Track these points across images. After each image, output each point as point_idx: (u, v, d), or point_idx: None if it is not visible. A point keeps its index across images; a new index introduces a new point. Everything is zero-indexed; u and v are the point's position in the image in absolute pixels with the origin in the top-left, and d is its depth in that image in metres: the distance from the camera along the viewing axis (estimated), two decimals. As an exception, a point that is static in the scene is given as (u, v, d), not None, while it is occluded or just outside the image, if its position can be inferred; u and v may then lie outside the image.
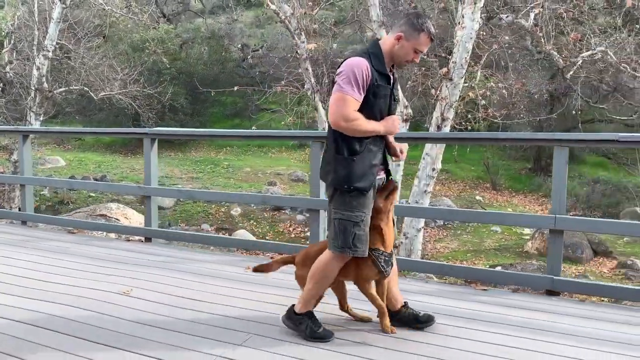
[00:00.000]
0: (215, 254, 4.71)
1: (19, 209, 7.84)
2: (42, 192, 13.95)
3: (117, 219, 7.81)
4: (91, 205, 10.90)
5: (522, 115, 15.70)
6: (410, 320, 2.85)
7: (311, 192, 4.07)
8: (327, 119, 2.71)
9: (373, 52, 2.61)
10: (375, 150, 2.64)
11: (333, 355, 2.53)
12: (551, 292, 3.35)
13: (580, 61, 10.82)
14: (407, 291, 3.38)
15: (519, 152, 21.20)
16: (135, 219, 8.87)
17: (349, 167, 2.58)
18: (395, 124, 2.69)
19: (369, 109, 2.58)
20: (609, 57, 10.86)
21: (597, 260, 12.21)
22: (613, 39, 11.35)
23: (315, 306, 2.80)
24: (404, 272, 5.07)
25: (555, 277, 3.29)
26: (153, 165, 4.67)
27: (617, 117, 15.31)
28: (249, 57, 22.92)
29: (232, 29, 24.05)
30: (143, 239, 4.98)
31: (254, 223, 15.02)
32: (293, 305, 2.81)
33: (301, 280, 2.89)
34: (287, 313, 2.82)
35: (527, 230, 14.68)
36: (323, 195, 4.01)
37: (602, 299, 4.42)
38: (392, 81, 2.68)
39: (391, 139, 2.82)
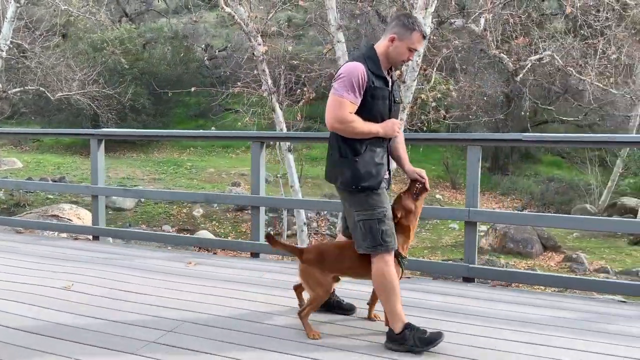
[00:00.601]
0: (161, 251, 4.83)
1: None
2: (-5, 194, 13.67)
3: (69, 219, 7.79)
4: (40, 208, 10.79)
5: (477, 116, 16.24)
6: (334, 306, 3.07)
7: (252, 189, 4.26)
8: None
9: (368, 56, 2.68)
10: (378, 150, 2.70)
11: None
12: (467, 279, 3.64)
13: (529, 64, 11.33)
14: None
15: (477, 152, 21.85)
16: (89, 219, 8.86)
17: (353, 167, 2.65)
18: (395, 127, 2.72)
19: (367, 112, 2.64)
20: (556, 61, 11.41)
21: (546, 254, 12.76)
22: (559, 44, 11.93)
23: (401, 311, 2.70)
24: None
25: (470, 265, 3.58)
26: (100, 165, 4.76)
27: (565, 118, 16.00)
28: (212, 58, 22.87)
29: (196, 29, 23.95)
30: (91, 237, 5.06)
31: (216, 224, 15.06)
32: (389, 330, 2.69)
33: (309, 277, 2.78)
34: (387, 339, 2.70)
35: (483, 227, 15.20)
36: (263, 193, 4.20)
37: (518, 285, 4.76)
38: (390, 83, 2.75)
39: (407, 165, 2.92)
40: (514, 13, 10.05)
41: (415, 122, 11.01)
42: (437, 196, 18.84)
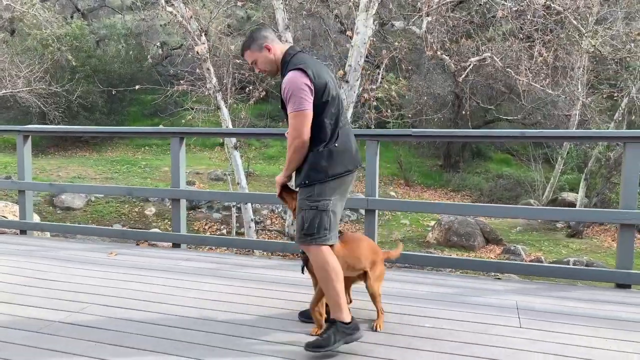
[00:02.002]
0: (86, 242, 4.95)
1: None
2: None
3: (4, 217, 7.75)
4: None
5: (427, 115, 16.78)
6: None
7: (172, 183, 4.45)
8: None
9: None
10: None
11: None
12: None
13: (471, 65, 11.85)
14: (249, 266, 3.83)
15: (430, 150, 22.51)
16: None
17: None
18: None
19: None
20: (495, 62, 11.97)
21: (488, 247, 13.36)
22: (499, 46, 12.51)
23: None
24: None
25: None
26: (26, 161, 4.84)
27: (511, 118, 16.68)
28: (167, 56, 22.70)
29: (152, 27, 23.69)
30: (18, 231, 5.13)
31: (168, 222, 15.05)
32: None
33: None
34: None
35: (432, 222, 15.75)
36: (183, 186, 4.40)
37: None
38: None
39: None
40: (457, 16, 10.52)
41: (361, 122, 11.37)
42: (391, 193, 19.33)
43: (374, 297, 2.88)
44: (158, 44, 21.45)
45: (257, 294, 3.32)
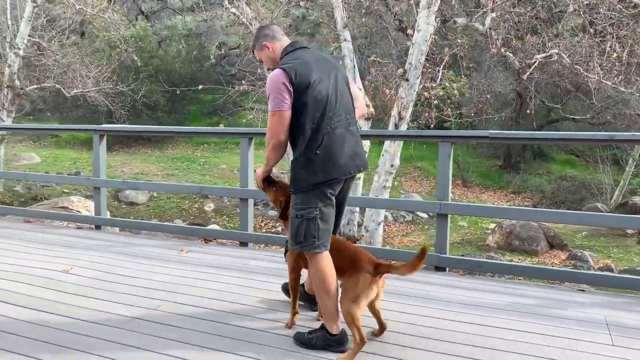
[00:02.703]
0: (158, 239, 5.09)
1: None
2: (15, 188, 14.16)
3: (78, 211, 8.15)
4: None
5: (488, 114, 16.25)
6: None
7: (241, 183, 4.49)
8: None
9: None
10: None
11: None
12: (438, 268, 3.82)
13: (536, 62, 11.35)
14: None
15: (490, 150, 21.81)
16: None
17: None
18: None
19: None
20: (563, 59, 11.41)
21: (552, 252, 12.77)
22: (567, 42, 11.92)
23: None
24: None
25: (441, 255, 3.76)
26: (102, 159, 5.04)
27: (577, 117, 15.89)
28: (225, 56, 23.19)
29: (211, 27, 24.29)
30: (93, 226, 5.35)
31: (226, 218, 15.37)
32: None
33: None
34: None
35: (491, 225, 15.25)
36: (252, 186, 4.43)
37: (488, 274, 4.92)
38: None
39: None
40: (521, 12, 10.09)
41: (420, 120, 11.14)
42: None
43: (344, 316, 2.50)
44: (217, 44, 21.94)
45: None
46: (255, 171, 3.15)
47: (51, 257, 4.17)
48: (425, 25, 9.47)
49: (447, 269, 3.87)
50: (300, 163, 2.58)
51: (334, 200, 2.67)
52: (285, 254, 2.91)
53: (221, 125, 15.96)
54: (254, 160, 4.59)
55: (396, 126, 10.10)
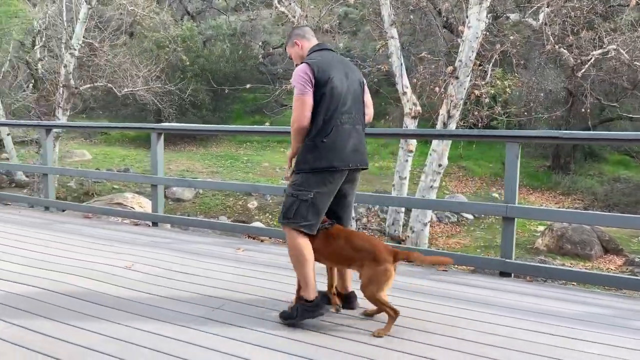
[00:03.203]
0: (214, 237, 5.14)
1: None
2: (68, 184, 14.69)
3: (132, 207, 8.35)
4: (107, 196, 11.57)
5: (536, 113, 15.71)
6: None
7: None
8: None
9: None
10: None
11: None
12: (503, 274, 3.67)
13: (592, 59, 10.88)
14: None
15: (537, 150, 21.11)
16: (150, 207, 9.43)
17: None
18: None
19: None
20: (622, 55, 10.90)
21: (607, 257, 12.23)
22: (626, 37, 11.36)
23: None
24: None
25: (507, 260, 3.61)
26: (159, 157, 5.12)
27: (634, 116, 15.15)
28: (268, 55, 23.36)
29: (254, 27, 24.51)
30: (150, 223, 5.45)
31: (269, 216, 15.46)
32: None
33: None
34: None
35: (540, 227, 14.76)
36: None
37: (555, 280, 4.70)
38: None
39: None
40: (576, 6, 9.68)
41: (469, 118, 10.87)
42: (494, 194, 18.42)
43: (373, 302, 2.81)
44: (260, 43, 22.11)
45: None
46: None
47: (112, 253, 4.26)
48: (476, 22, 9.22)
49: (512, 274, 3.72)
50: (308, 147, 2.86)
51: (332, 192, 2.90)
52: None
53: (266, 123, 16.09)
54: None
55: (445, 125, 9.88)
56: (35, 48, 16.02)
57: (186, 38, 19.71)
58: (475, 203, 6.20)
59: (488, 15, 9.94)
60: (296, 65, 3.02)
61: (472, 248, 13.51)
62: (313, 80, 2.82)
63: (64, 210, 6.46)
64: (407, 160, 11.38)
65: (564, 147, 19.65)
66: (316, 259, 2.91)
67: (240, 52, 22.29)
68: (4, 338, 2.62)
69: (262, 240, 4.93)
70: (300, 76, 2.84)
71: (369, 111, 3.17)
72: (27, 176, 14.29)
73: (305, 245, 2.85)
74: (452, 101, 9.75)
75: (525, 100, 14.93)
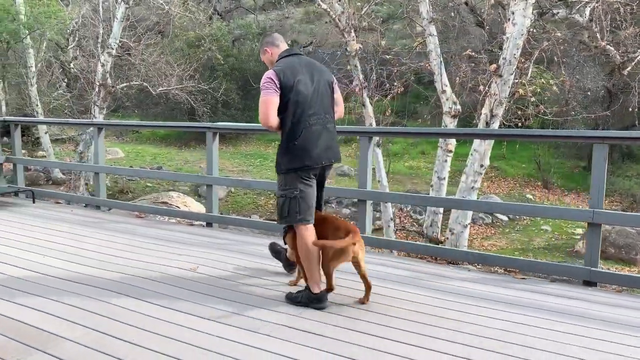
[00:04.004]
0: (261, 237, 5.03)
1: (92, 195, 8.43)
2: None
3: (177, 206, 8.34)
4: (148, 194, 11.60)
5: (575, 112, 15.28)
6: None
7: (360, 184, 4.32)
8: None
9: None
10: None
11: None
12: (588, 283, 3.47)
13: (639, 57, 10.51)
14: (450, 277, 3.57)
15: (572, 150, 20.59)
16: (194, 206, 9.43)
17: None
18: None
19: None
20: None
21: (653, 262, 11.82)
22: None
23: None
24: (448, 260, 5.23)
25: (592, 269, 3.41)
26: (214, 156, 5.05)
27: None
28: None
29: (283, 26, 24.49)
30: (204, 223, 5.38)
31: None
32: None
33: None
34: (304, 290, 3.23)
35: (578, 230, 14.37)
36: (369, 187, 4.25)
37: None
38: None
39: None
40: (626, 1, 9.32)
41: (510, 117, 10.59)
42: (528, 196, 18.02)
43: (323, 271, 3.14)
44: (289, 42, 22.05)
45: (457, 311, 3.05)
46: None
47: (174, 254, 4.19)
48: (521, 19, 8.96)
49: (598, 284, 3.51)
50: (282, 151, 3.16)
51: (314, 182, 3.20)
52: (284, 238, 3.42)
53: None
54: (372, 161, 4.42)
55: (487, 124, 9.64)
56: (68, 48, 16.21)
57: (216, 38, 19.75)
58: (557, 208, 5.94)
59: (534, 12, 9.66)
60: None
61: (508, 250, 13.21)
62: (279, 86, 3.04)
63: (109, 209, 6.46)
64: (446, 161, 11.16)
65: (600, 147, 19.10)
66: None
67: (270, 51, 22.24)
68: (83, 343, 2.56)
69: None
70: (266, 82, 3.05)
71: (339, 109, 3.40)
72: (63, 174, 14.47)
73: (311, 242, 3.10)
74: (495, 100, 9.50)
75: (564, 99, 14.53)
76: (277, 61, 3.22)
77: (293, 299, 3.19)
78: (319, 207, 3.33)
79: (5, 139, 17.46)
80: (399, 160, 20.78)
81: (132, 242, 4.54)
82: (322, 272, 3.14)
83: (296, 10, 26.65)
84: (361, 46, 8.54)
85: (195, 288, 3.40)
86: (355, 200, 15.19)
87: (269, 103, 3.04)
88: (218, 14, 25.86)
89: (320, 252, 3.12)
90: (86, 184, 13.54)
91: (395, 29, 20.93)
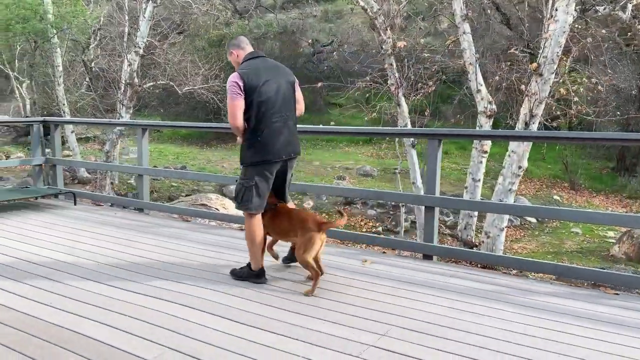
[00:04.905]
0: (334, 246, 4.79)
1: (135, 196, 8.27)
2: (129, 181, 14.78)
3: (216, 209, 8.18)
4: (187, 195, 11.49)
5: (607, 112, 14.92)
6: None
7: (427, 189, 4.09)
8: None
9: None
10: None
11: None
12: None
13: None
14: (533, 292, 3.34)
15: (600, 151, 20.16)
16: (232, 208, 9.30)
17: None
18: None
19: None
20: None
21: (694, 267, 11.45)
22: None
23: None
24: (482, 265, 4.97)
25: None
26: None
27: None
28: (318, 52, 23.10)
29: (303, 24, 24.31)
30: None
31: (325, 216, 15.22)
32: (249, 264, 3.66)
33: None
34: (245, 267, 3.67)
35: (610, 233, 14.02)
36: (438, 192, 4.02)
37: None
38: None
39: None
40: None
41: (547, 118, 10.30)
42: (555, 197, 17.66)
43: (301, 264, 3.47)
44: (310, 41, 21.88)
45: (557, 330, 2.81)
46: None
47: (233, 262, 4.01)
48: (564, 15, 8.68)
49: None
50: (246, 145, 3.52)
51: (271, 178, 3.56)
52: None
53: (332, 123, 15.81)
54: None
55: (527, 124, 9.37)
56: (90, 47, 16.16)
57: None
58: (611, 214, 5.66)
59: (576, 8, 9.36)
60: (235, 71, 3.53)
61: (540, 254, 12.91)
62: (243, 89, 3.37)
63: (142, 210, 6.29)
64: (481, 162, 10.88)
65: (630, 147, 18.66)
66: (267, 234, 3.67)
67: (291, 50, 22.12)
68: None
69: (383, 252, 4.59)
70: (231, 84, 3.39)
71: (300, 106, 3.73)
72: (89, 173, 14.42)
73: (258, 226, 3.55)
74: (535, 99, 9.23)
75: (597, 98, 14.17)
76: (242, 63, 3.54)
77: (236, 274, 3.67)
78: (282, 197, 3.73)
79: (29, 138, 17.52)
80: (420, 161, 20.48)
81: (187, 249, 4.38)
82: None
83: (315, 9, 26.44)
84: (406, 44, 8.31)
85: (287, 307, 3.22)
86: (375, 201, 14.90)
87: (236, 107, 3.39)
88: (238, 13, 25.77)
89: (294, 247, 3.57)
90: (111, 183, 13.48)
91: (417, 27, 20.61)
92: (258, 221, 3.54)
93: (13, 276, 3.58)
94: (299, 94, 3.71)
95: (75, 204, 6.10)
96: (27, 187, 6.91)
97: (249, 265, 3.61)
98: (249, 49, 3.65)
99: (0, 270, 3.72)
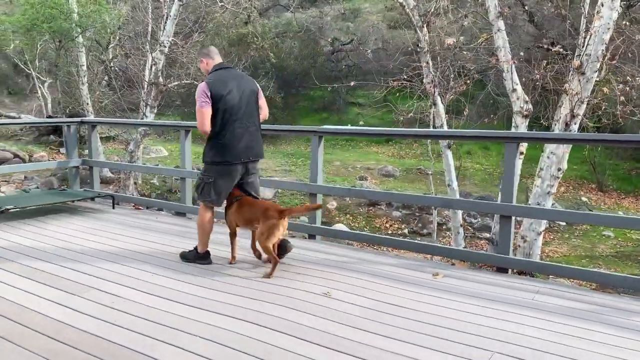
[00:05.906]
0: (389, 256, 4.53)
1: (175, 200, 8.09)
2: (152, 181, 14.63)
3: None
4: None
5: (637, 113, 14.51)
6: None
7: (503, 197, 3.81)
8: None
9: None
10: None
11: None
12: None
13: None
14: (632, 312, 3.06)
15: (627, 152, 19.70)
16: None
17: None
18: None
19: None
20: None
21: None
22: None
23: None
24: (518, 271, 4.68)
25: None
26: (319, 162, 4.63)
27: None
28: (337, 51, 22.84)
29: (322, 23, 24.06)
30: (307, 235, 4.96)
31: (350, 217, 14.98)
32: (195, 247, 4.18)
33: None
34: (192, 251, 4.19)
35: (649, 237, 13.65)
36: (515, 200, 3.74)
37: None
38: None
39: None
40: None
41: (587, 117, 9.95)
42: (583, 199, 17.26)
43: (262, 249, 3.83)
44: (330, 39, 21.62)
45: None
46: None
47: (292, 273, 3.77)
48: (608, 11, 8.35)
49: None
50: (210, 146, 3.88)
51: (230, 178, 3.93)
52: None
53: (360, 123, 15.55)
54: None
55: (567, 125, 9.05)
56: (109, 46, 16.04)
57: (262, 35, 19.42)
58: None
59: (622, 4, 9.03)
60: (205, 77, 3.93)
61: (572, 258, 12.57)
62: (210, 96, 3.73)
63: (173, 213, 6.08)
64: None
65: (660, 148, 18.19)
66: (234, 224, 4.04)
67: (310, 49, 21.88)
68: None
69: (452, 264, 4.32)
70: (200, 93, 3.75)
71: (263, 112, 4.14)
72: (112, 173, 14.30)
73: (209, 217, 4.01)
74: (578, 99, 8.89)
75: (625, 99, 13.75)
76: (210, 72, 3.92)
77: (185, 256, 4.11)
78: (249, 193, 4.03)
79: (51, 137, 17.48)
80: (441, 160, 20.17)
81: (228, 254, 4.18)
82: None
83: (333, 8, 26.17)
84: (455, 41, 8.04)
85: (336, 318, 2.97)
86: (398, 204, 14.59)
87: (204, 114, 3.75)
88: (257, 12, 25.58)
89: (255, 234, 3.91)
90: (135, 183, 13.33)
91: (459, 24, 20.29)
92: (210, 213, 3.99)
93: (73, 290, 3.39)
94: (262, 101, 4.10)
95: (113, 207, 5.91)
96: (64, 189, 6.74)
97: (196, 248, 4.07)
98: (218, 59, 4.01)
99: (50, 282, 3.53)
